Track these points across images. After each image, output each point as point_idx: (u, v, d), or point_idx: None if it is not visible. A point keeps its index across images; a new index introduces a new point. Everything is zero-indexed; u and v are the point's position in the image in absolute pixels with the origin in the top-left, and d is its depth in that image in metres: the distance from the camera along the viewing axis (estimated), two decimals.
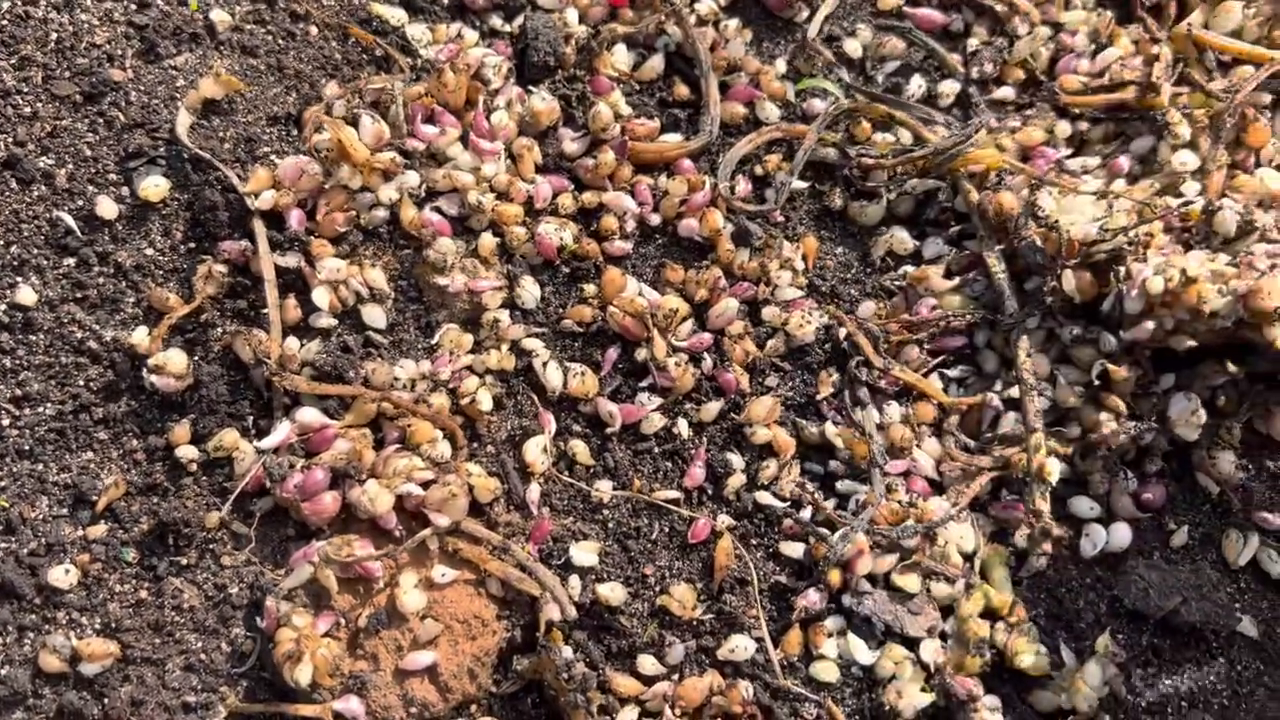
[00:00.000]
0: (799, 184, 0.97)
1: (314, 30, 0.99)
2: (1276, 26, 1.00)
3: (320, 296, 0.88)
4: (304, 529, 0.85)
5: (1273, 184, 0.92)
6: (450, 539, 0.84)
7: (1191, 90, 0.97)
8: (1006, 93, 1.01)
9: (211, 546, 0.84)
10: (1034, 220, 0.88)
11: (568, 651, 0.81)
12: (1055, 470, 0.83)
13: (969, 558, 0.86)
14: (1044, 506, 0.82)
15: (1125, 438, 0.86)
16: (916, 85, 1.00)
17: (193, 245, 0.90)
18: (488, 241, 0.91)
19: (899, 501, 0.86)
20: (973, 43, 1.03)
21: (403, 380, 0.87)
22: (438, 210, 0.92)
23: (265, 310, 0.88)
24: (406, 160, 0.92)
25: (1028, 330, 0.89)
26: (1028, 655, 0.81)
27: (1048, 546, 0.83)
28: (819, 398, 0.91)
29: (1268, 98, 0.97)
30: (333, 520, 0.84)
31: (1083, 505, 0.88)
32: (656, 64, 1.01)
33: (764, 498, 0.88)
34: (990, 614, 0.84)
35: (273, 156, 0.92)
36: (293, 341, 0.88)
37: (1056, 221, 0.87)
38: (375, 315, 0.90)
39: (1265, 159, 0.96)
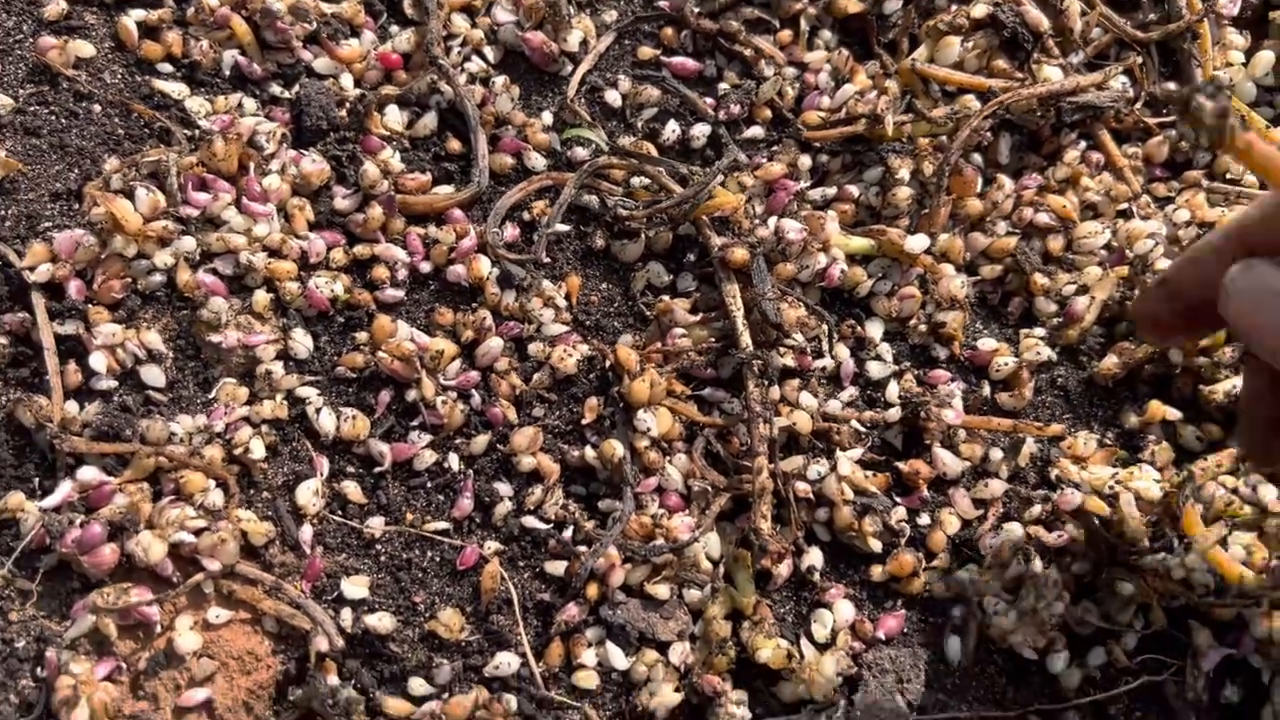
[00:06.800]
0: (563, 227, 1.04)
1: (97, 108, 1.04)
2: (994, 58, 1.09)
3: (98, 360, 0.93)
4: (87, 581, 0.89)
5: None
6: (225, 582, 0.89)
7: (915, 120, 1.05)
8: (756, 132, 1.09)
9: None
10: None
11: (333, 679, 0.86)
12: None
13: (717, 563, 0.92)
14: (763, 525, 0.89)
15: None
16: (671, 130, 1.08)
17: None
18: (261, 298, 0.97)
19: (650, 516, 0.93)
20: (723, 87, 1.10)
21: (179, 435, 0.92)
22: (213, 271, 0.98)
23: (48, 377, 0.93)
24: (182, 226, 0.98)
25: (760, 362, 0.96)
26: (765, 649, 0.88)
27: (767, 561, 0.90)
28: (584, 423, 0.97)
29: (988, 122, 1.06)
30: (114, 571, 0.89)
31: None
32: (430, 121, 1.07)
33: (530, 522, 0.94)
34: (736, 615, 0.91)
35: (53, 232, 0.97)
36: (73, 405, 0.93)
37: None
38: (153, 375, 0.95)
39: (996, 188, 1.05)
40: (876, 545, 0.92)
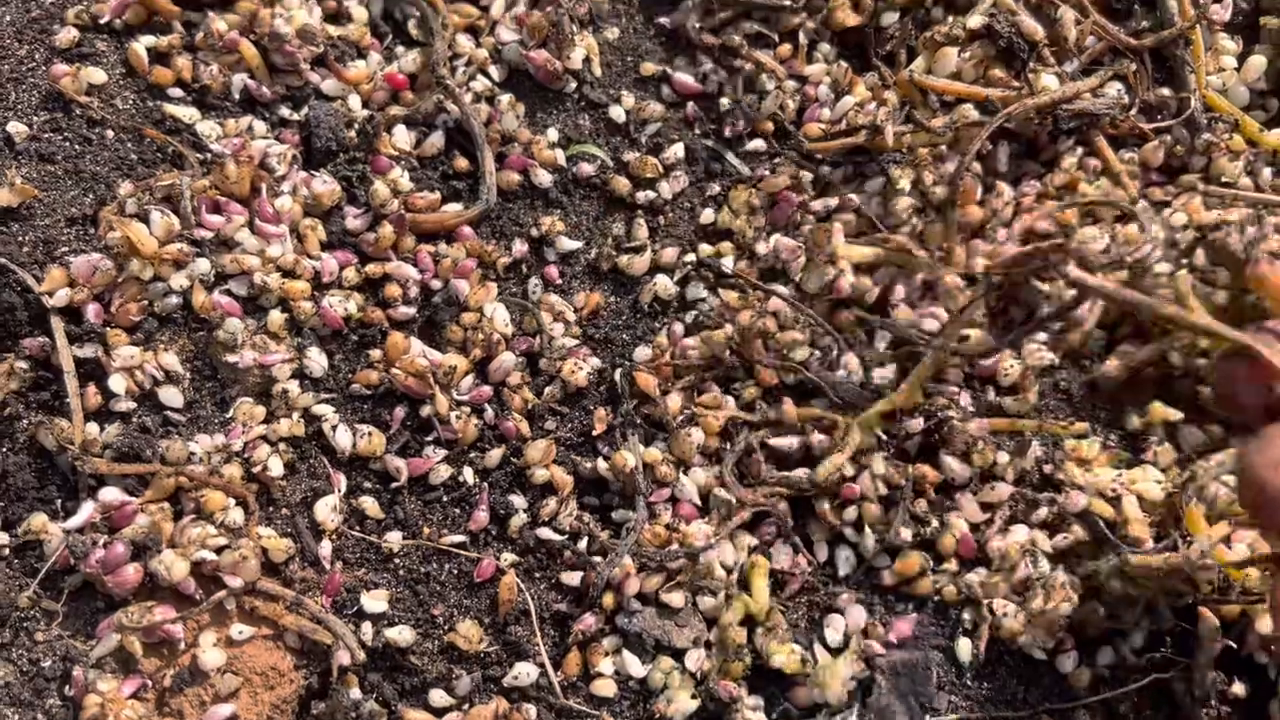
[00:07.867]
0: (573, 244, 1.05)
1: (110, 134, 1.06)
2: (991, 67, 1.11)
3: (117, 383, 0.95)
4: (112, 600, 0.91)
5: None
6: (247, 598, 0.91)
7: (915, 130, 1.07)
8: (759, 145, 1.11)
9: (25, 624, 0.90)
10: None
11: (355, 693, 0.88)
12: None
13: (731, 570, 0.94)
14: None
15: None
16: (675, 152, 1.09)
17: None
18: (276, 317, 0.99)
19: (664, 525, 0.95)
20: (725, 102, 1.12)
21: (199, 454, 0.94)
22: (228, 292, 0.99)
23: (68, 399, 0.95)
24: (197, 249, 1.00)
25: None
26: (779, 654, 0.90)
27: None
28: (595, 434, 0.99)
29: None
30: (137, 590, 0.90)
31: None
32: (437, 140, 1.09)
33: (545, 533, 0.96)
34: (751, 621, 0.93)
35: (70, 256, 0.99)
36: (93, 427, 0.94)
37: None
38: (171, 395, 0.96)
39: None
40: (907, 534, 0.93)
